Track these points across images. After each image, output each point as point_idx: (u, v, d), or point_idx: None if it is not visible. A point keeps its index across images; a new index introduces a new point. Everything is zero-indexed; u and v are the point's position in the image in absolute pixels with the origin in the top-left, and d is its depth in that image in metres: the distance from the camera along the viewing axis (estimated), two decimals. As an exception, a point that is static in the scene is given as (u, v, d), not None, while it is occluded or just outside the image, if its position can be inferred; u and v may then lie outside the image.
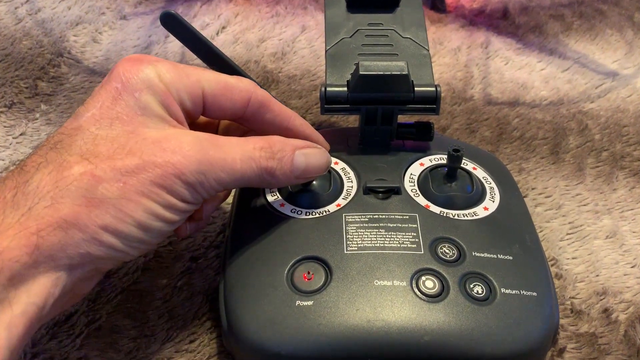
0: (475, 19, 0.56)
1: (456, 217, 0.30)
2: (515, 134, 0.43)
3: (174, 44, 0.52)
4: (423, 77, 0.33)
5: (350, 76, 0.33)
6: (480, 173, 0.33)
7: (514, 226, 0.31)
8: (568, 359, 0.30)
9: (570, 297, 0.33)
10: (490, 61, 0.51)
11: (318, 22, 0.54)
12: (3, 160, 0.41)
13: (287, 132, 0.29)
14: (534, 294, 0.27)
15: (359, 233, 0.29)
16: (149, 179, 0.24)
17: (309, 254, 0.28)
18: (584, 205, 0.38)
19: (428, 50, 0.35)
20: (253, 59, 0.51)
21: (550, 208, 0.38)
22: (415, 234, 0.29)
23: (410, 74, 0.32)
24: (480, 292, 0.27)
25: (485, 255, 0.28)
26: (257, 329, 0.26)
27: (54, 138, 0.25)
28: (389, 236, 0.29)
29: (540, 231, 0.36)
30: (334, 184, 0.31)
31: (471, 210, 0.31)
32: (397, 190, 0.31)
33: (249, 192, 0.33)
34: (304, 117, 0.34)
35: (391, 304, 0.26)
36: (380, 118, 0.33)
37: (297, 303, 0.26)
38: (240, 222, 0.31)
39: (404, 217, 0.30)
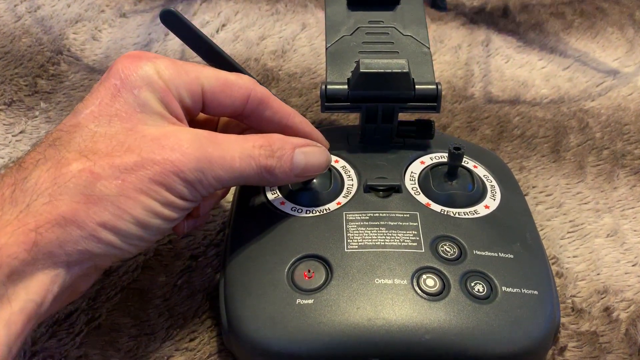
0: (476, 17, 0.56)
1: (457, 215, 0.30)
2: (515, 132, 0.43)
3: (174, 42, 0.52)
4: (424, 75, 0.33)
5: (350, 74, 0.33)
6: (481, 171, 0.33)
7: (515, 224, 0.31)
8: (569, 358, 0.30)
9: (571, 296, 0.33)
10: (490, 59, 0.51)
11: (318, 20, 0.54)
12: (2, 158, 0.41)
13: (287, 130, 0.29)
14: (535, 292, 0.27)
15: (360, 231, 0.29)
16: (147, 176, 0.24)
17: (310, 252, 0.28)
18: (585, 203, 0.38)
19: (429, 48, 0.35)
20: (253, 56, 0.50)
21: (551, 206, 0.38)
22: (416, 232, 0.29)
23: (411, 71, 0.31)
24: (481, 290, 0.27)
25: (486, 253, 0.28)
26: (258, 328, 0.26)
27: (52, 135, 0.25)
28: (390, 234, 0.29)
29: (541, 230, 0.36)
30: (335, 182, 0.31)
31: (472, 209, 0.31)
32: (398, 189, 0.31)
33: (249, 190, 0.33)
34: (304, 115, 0.34)
35: (392, 303, 0.26)
36: (381, 116, 0.33)
37: (297, 301, 0.26)
38: (240, 221, 0.31)
39: (405, 215, 0.30)
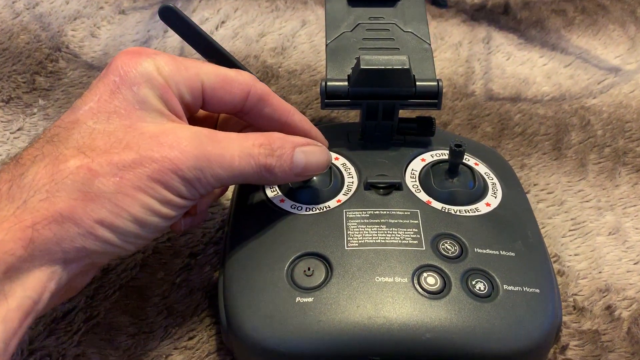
0: (477, 14, 0.55)
1: (458, 213, 0.30)
2: (517, 129, 0.43)
3: (173, 39, 0.51)
4: (424, 71, 0.33)
5: (351, 70, 0.33)
6: (482, 169, 0.33)
7: (516, 222, 0.30)
8: (571, 357, 0.30)
9: (572, 294, 0.32)
10: (491, 56, 0.50)
11: (318, 17, 0.54)
12: (0, 155, 0.41)
13: (286, 127, 0.29)
14: (537, 290, 0.27)
15: (360, 229, 0.29)
16: (145, 173, 0.24)
17: (309, 250, 0.28)
18: (587, 201, 0.38)
19: (430, 45, 0.35)
20: (253, 53, 0.50)
21: (553, 204, 0.38)
22: (416, 230, 0.29)
23: (412, 68, 0.31)
24: (482, 288, 0.27)
25: (488, 251, 0.28)
26: (257, 326, 0.26)
27: (50, 131, 0.25)
28: (390, 232, 0.28)
29: (543, 227, 0.36)
30: (335, 179, 0.31)
31: (473, 206, 0.30)
32: (398, 186, 0.31)
33: (249, 187, 0.32)
34: (304, 113, 0.34)
35: (392, 301, 0.26)
36: (382, 113, 0.33)
37: (297, 299, 0.26)
38: (239, 218, 0.31)
39: (405, 213, 0.29)
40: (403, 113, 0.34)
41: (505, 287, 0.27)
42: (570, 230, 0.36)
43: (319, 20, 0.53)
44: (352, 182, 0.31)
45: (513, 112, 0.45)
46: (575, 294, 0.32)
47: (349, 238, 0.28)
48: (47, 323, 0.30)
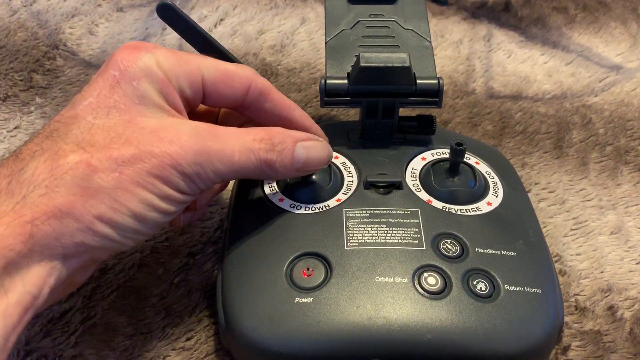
0: (477, 12, 0.55)
1: (459, 212, 0.30)
2: (518, 128, 0.43)
3: (171, 37, 0.51)
4: (425, 69, 0.33)
5: (350, 68, 0.32)
6: (483, 167, 0.33)
7: (518, 221, 0.30)
8: (573, 357, 0.29)
9: (574, 294, 0.32)
10: (492, 54, 0.50)
11: (318, 14, 0.53)
12: (-3, 154, 0.41)
13: (286, 123, 0.29)
14: (539, 290, 0.27)
15: (360, 228, 0.28)
16: (145, 169, 0.23)
17: (309, 250, 0.28)
18: (588, 200, 0.38)
19: (430, 42, 0.34)
20: (252, 51, 0.50)
21: (554, 203, 0.37)
22: (417, 230, 0.28)
23: (412, 66, 0.31)
24: (483, 289, 0.26)
25: (489, 251, 0.28)
26: (256, 326, 0.26)
27: (50, 126, 0.25)
28: (390, 232, 0.28)
29: (544, 227, 0.36)
30: (334, 178, 0.31)
31: (474, 206, 0.30)
32: (399, 185, 0.30)
33: (248, 186, 0.32)
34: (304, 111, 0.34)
35: (392, 301, 0.26)
36: (382, 111, 0.33)
37: (296, 300, 0.26)
38: (238, 217, 0.31)
39: (406, 212, 0.29)
40: (403, 111, 0.34)
41: (506, 287, 0.26)
42: (571, 230, 0.36)
43: (319, 17, 0.53)
44: (352, 181, 0.31)
45: (514, 111, 0.44)
46: (577, 294, 0.32)
47: (348, 238, 0.28)
48: (44, 323, 0.30)
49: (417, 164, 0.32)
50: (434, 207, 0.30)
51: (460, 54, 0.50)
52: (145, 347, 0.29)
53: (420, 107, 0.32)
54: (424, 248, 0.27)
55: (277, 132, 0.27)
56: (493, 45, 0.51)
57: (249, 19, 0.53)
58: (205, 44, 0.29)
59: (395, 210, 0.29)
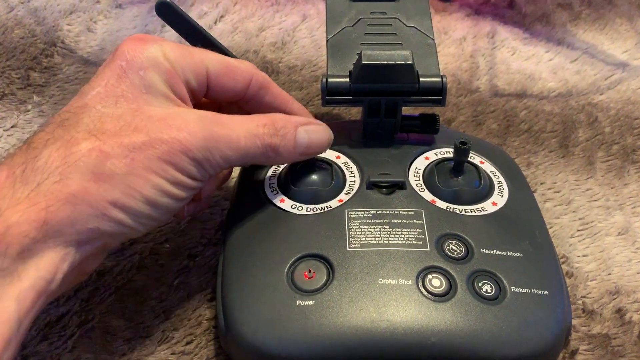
0: (481, 8, 0.54)
1: (463, 212, 0.29)
2: (522, 126, 0.42)
3: (171, 34, 0.50)
4: (428, 67, 0.32)
5: (352, 66, 0.32)
6: (487, 167, 0.32)
7: (524, 222, 0.29)
8: (580, 361, 0.29)
9: (581, 297, 0.31)
10: (496, 51, 0.49)
11: (319, 11, 0.53)
12: (-6, 153, 0.40)
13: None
14: (546, 292, 0.26)
15: (362, 229, 0.28)
16: (155, 155, 0.24)
17: (310, 251, 0.27)
18: (595, 200, 0.37)
19: (433, 40, 0.34)
20: (252, 48, 0.49)
21: (560, 204, 0.37)
22: (420, 230, 0.28)
23: (415, 64, 0.30)
24: (489, 290, 0.26)
25: (494, 252, 0.27)
26: (256, 330, 0.25)
27: (60, 116, 0.25)
28: (394, 233, 0.28)
29: (550, 227, 0.35)
30: (336, 178, 0.30)
31: (479, 206, 0.30)
32: (402, 185, 0.30)
33: (248, 186, 0.32)
34: (305, 109, 0.33)
35: (396, 304, 0.25)
36: (384, 110, 0.32)
37: (297, 303, 0.25)
38: (238, 218, 0.30)
39: (409, 212, 0.29)
40: (406, 110, 0.33)
41: (513, 289, 0.26)
42: (578, 231, 0.35)
43: (320, 14, 0.52)
44: (354, 181, 0.31)
45: (519, 109, 0.44)
46: (585, 297, 0.32)
47: (350, 239, 0.27)
48: (40, 327, 0.30)
49: (421, 163, 0.32)
50: (438, 207, 0.29)
51: (463, 51, 0.49)
52: (144, 351, 0.29)
53: (423, 105, 0.32)
54: (428, 249, 0.27)
55: (279, 117, 0.28)
56: (497, 43, 0.50)
57: (249, 15, 0.53)
58: (204, 43, 0.30)
59: (399, 211, 0.29)
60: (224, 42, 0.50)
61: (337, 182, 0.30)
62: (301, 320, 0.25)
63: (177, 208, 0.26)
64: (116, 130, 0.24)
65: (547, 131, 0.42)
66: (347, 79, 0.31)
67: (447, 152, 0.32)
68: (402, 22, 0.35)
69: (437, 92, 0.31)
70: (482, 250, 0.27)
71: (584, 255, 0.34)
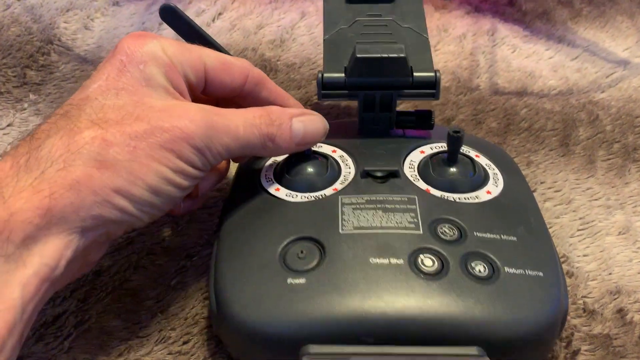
0: (481, 6, 0.54)
1: (457, 200, 0.29)
2: (523, 124, 0.42)
3: (168, 32, 0.50)
4: (422, 62, 0.32)
5: (347, 63, 0.32)
6: (483, 160, 0.32)
7: (519, 209, 0.29)
8: (580, 362, 0.28)
9: (582, 297, 0.31)
10: (496, 49, 0.49)
11: (318, 8, 0.52)
12: (-10, 152, 0.40)
13: None
14: (540, 274, 0.26)
15: (355, 214, 0.28)
16: (158, 143, 0.24)
17: (302, 234, 0.27)
18: (596, 199, 0.37)
19: (427, 37, 0.34)
20: (250, 46, 0.49)
21: (560, 203, 0.36)
22: (413, 215, 0.28)
23: (409, 59, 0.31)
24: (482, 271, 0.25)
25: (488, 235, 0.27)
26: (246, 308, 0.25)
27: (62, 109, 0.26)
28: (387, 217, 0.28)
29: (550, 227, 0.35)
30: (331, 169, 0.30)
31: (473, 194, 0.29)
32: (396, 174, 0.30)
33: (245, 177, 0.32)
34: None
35: (387, 282, 0.25)
36: (379, 104, 0.32)
37: (288, 281, 0.25)
38: (233, 205, 0.30)
39: (403, 199, 0.28)
40: (404, 108, 0.33)
41: (506, 269, 0.25)
42: (578, 230, 0.35)
43: (319, 11, 0.52)
44: (350, 172, 0.31)
45: (519, 107, 0.43)
46: (585, 296, 0.31)
47: (343, 222, 0.27)
48: (36, 328, 0.29)
49: (416, 156, 0.32)
50: (432, 195, 0.29)
51: (463, 49, 0.49)
52: (140, 352, 0.29)
53: (417, 99, 0.32)
54: (421, 232, 0.27)
55: (274, 109, 0.28)
56: (497, 40, 0.50)
57: (247, 13, 0.52)
58: (206, 45, 0.30)
59: (392, 197, 0.28)
60: (222, 40, 0.49)
61: (332, 172, 0.30)
62: (292, 297, 0.25)
63: (180, 197, 0.26)
64: (118, 119, 0.25)
65: (547, 130, 0.42)
66: (343, 74, 0.31)
67: (442, 146, 0.32)
68: (398, 24, 0.35)
69: (431, 86, 0.31)
70: (475, 234, 0.27)
71: (584, 255, 0.33)
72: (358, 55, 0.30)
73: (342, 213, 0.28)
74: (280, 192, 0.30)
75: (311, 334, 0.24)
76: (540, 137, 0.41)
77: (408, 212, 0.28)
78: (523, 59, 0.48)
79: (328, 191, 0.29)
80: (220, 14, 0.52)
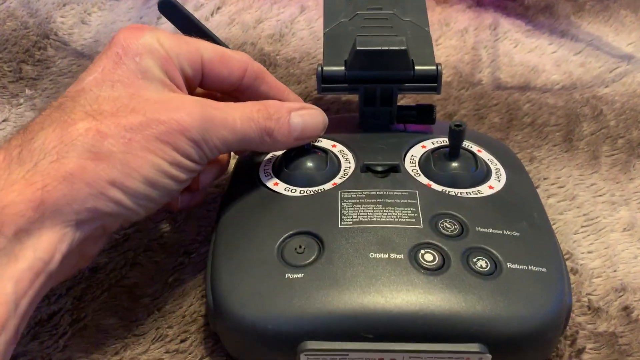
0: (483, 0, 0.53)
1: (459, 195, 0.28)
2: (526, 120, 0.41)
3: (166, 26, 0.49)
4: (423, 55, 0.32)
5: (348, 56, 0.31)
6: (485, 155, 0.31)
7: (521, 204, 0.29)
8: (585, 361, 0.28)
9: (587, 294, 0.31)
10: (499, 43, 0.48)
11: (317, 2, 0.52)
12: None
13: None
14: (543, 269, 0.25)
15: (355, 208, 0.27)
16: (153, 135, 0.24)
17: (301, 229, 0.27)
18: (600, 195, 0.36)
19: (428, 30, 0.33)
20: (249, 41, 0.48)
21: (564, 199, 0.36)
22: (414, 209, 0.27)
23: (411, 53, 0.30)
24: (484, 266, 0.25)
25: (490, 230, 0.26)
26: (243, 303, 0.25)
27: (57, 101, 0.25)
28: (387, 211, 0.27)
29: (554, 224, 0.34)
30: (331, 163, 0.30)
31: (475, 189, 0.29)
32: (396, 168, 0.29)
33: (244, 172, 0.31)
34: (303, 102, 0.32)
35: (387, 277, 0.24)
36: (380, 98, 0.32)
37: (286, 276, 0.25)
38: (231, 199, 0.30)
39: (403, 193, 0.28)
40: (405, 103, 0.32)
41: (509, 265, 0.25)
42: (582, 227, 0.34)
43: (319, 5, 0.51)
44: (349, 167, 0.30)
45: (522, 102, 0.43)
46: (590, 294, 0.31)
47: (343, 217, 0.27)
48: (31, 326, 0.29)
49: (417, 151, 0.31)
50: (433, 189, 0.29)
51: (465, 43, 0.48)
52: (137, 350, 0.28)
53: (419, 93, 0.32)
54: (422, 226, 0.26)
55: (271, 103, 0.28)
56: (499, 34, 0.49)
57: (246, 7, 0.52)
58: (205, 39, 0.30)
59: (392, 192, 0.28)
60: (221, 34, 0.49)
61: (331, 166, 0.30)
62: (290, 292, 0.24)
63: (177, 190, 0.26)
64: (113, 111, 0.24)
65: (550, 125, 0.41)
66: (343, 67, 0.31)
67: (443, 141, 0.32)
68: (399, 17, 0.35)
69: (432, 80, 0.31)
70: (477, 229, 0.26)
71: (588, 252, 0.33)
72: (358, 48, 0.30)
73: (342, 207, 0.27)
74: (278, 186, 0.29)
75: (309, 330, 0.24)
76: (544, 132, 0.40)
77: (408, 206, 0.27)
78: (526, 54, 0.48)
79: (327, 186, 0.29)
80: (219, 8, 0.52)
